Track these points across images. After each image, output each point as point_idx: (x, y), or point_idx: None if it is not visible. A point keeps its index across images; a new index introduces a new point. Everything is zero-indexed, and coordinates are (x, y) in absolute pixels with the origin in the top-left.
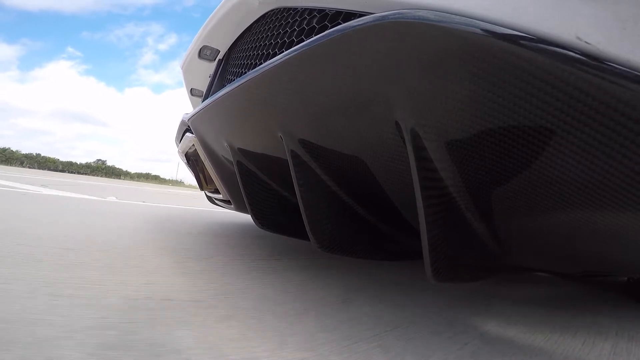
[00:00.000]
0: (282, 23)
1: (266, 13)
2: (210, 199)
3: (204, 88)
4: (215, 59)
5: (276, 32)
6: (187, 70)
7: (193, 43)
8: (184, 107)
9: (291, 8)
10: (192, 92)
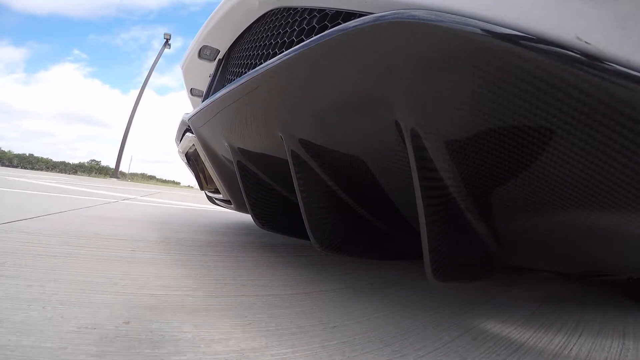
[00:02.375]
0: (282, 23)
1: (266, 13)
2: (210, 198)
3: (204, 88)
4: (215, 59)
5: (276, 32)
6: (187, 70)
7: (193, 43)
8: (187, 108)
9: (291, 8)
10: (192, 92)
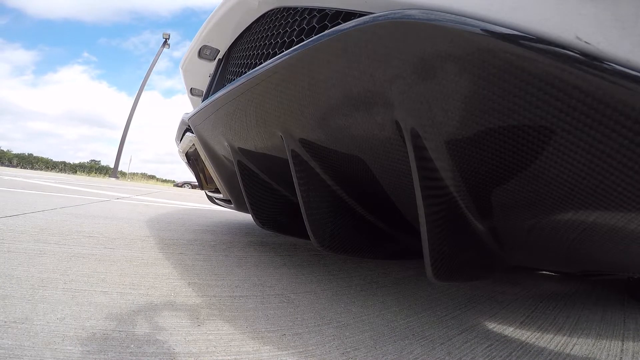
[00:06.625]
0: (282, 23)
1: (266, 13)
2: (210, 198)
3: (203, 88)
4: (215, 59)
5: (276, 31)
6: (187, 70)
7: (193, 43)
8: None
9: (291, 8)
10: (192, 91)
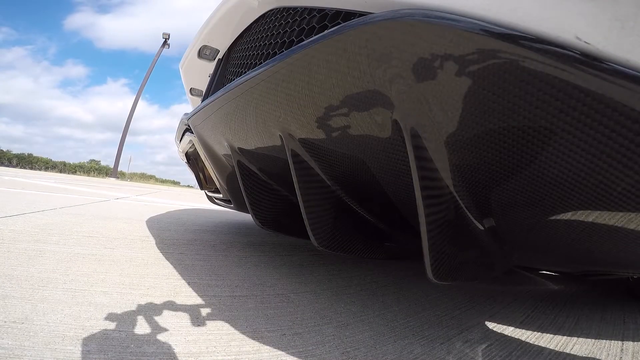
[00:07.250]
0: (282, 23)
1: (265, 13)
2: (210, 198)
3: (203, 88)
4: (214, 59)
5: (276, 32)
6: (186, 69)
7: (193, 43)
8: None
9: (291, 8)
10: (192, 91)
